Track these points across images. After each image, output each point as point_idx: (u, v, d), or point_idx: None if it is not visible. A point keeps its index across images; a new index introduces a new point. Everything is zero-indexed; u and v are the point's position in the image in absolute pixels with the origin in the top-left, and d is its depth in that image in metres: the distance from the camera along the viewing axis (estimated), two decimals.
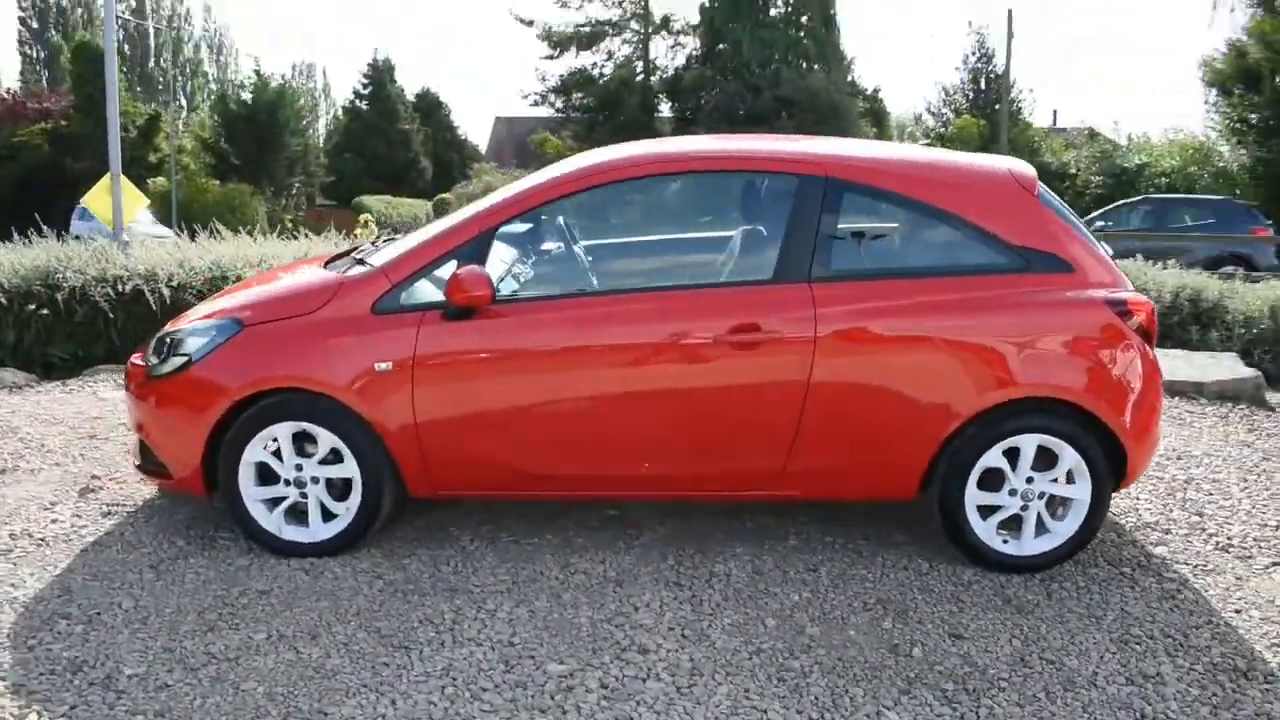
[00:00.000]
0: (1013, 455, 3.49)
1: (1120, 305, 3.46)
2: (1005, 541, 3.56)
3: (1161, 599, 3.44)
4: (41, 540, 3.83)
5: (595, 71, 33.70)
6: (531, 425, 3.52)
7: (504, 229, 3.58)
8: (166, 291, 6.93)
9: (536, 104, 34.21)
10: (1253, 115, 24.68)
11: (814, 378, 3.42)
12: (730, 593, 3.41)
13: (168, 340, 3.75)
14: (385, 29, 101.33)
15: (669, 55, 34.64)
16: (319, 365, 3.51)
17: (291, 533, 3.64)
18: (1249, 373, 6.66)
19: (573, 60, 33.07)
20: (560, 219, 3.88)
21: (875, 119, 33.49)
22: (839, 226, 3.49)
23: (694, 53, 33.12)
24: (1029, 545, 3.55)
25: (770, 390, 3.44)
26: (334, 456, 3.58)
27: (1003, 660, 3.02)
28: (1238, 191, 23.74)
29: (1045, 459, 3.50)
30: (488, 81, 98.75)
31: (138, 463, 3.90)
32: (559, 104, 33.49)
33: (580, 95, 33.45)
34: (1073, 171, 27.29)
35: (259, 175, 29.59)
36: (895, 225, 3.64)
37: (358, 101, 38.84)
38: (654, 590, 3.42)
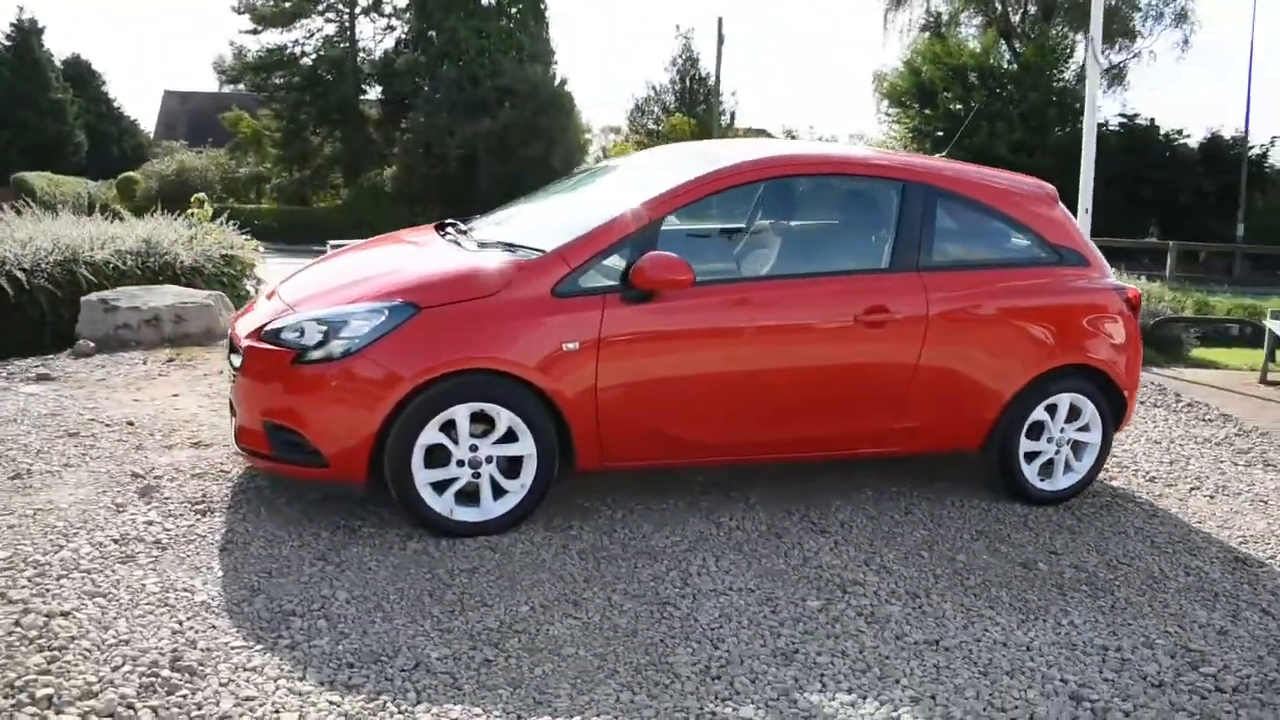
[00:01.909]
0: (1050, 410, 4.40)
1: (1123, 290, 4.50)
2: (1042, 480, 4.46)
3: (1149, 516, 4.54)
4: (158, 543, 3.51)
5: (297, 50, 31.86)
6: (698, 399, 3.86)
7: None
8: None
9: (231, 80, 31.66)
10: (926, 127, 29.07)
11: (923, 351, 4.10)
12: (868, 536, 3.99)
13: (321, 324, 3.59)
14: None
15: (377, 38, 33.67)
16: (506, 346, 3.60)
17: (462, 513, 3.68)
18: None
19: (277, 37, 30.96)
20: (716, 209, 4.20)
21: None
22: (935, 225, 4.18)
23: (404, 36, 32.40)
24: (1060, 482, 4.48)
25: (891, 362, 4.08)
26: (508, 435, 3.67)
27: (1096, 566, 3.89)
28: None
29: (1071, 412, 4.44)
30: (151, 53, 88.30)
31: (267, 452, 3.68)
32: (257, 81, 31.20)
33: (283, 74, 31.44)
34: None
35: None
36: (973, 225, 4.40)
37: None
38: (812, 538, 3.92)
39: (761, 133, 36.26)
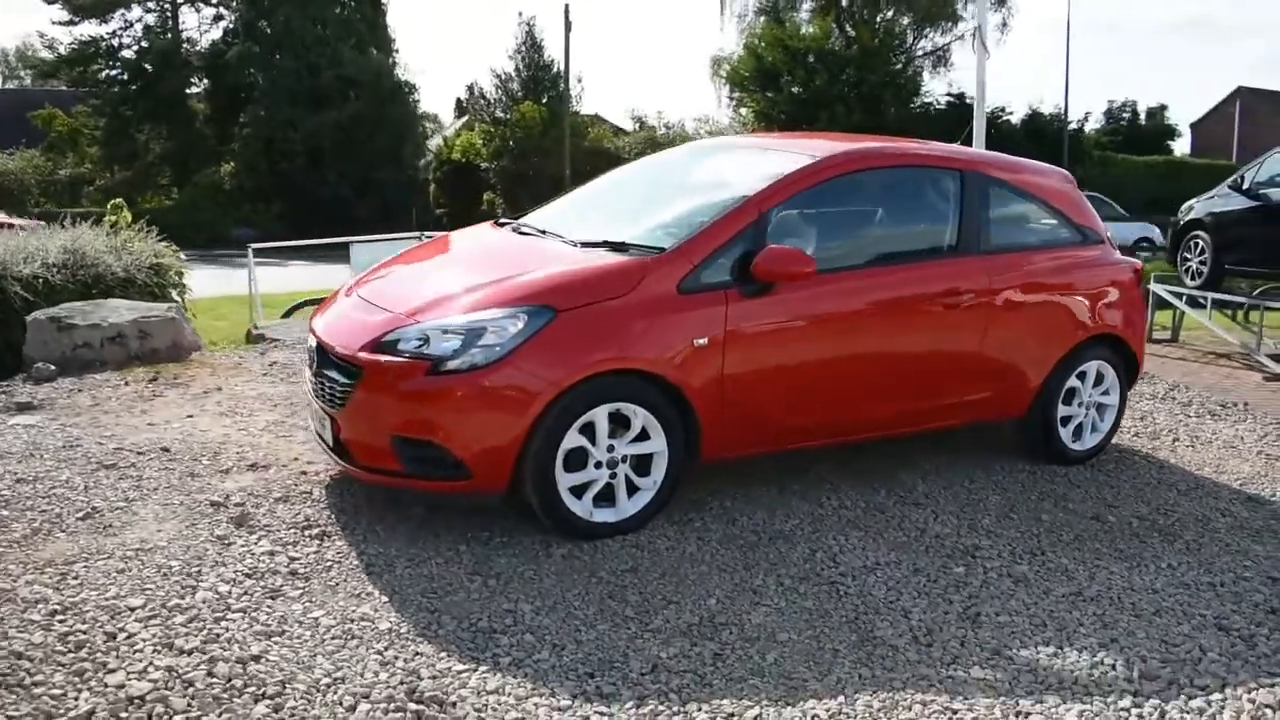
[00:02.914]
0: (1081, 377, 4.80)
1: (1132, 263, 4.96)
2: (1074, 441, 4.88)
3: (1159, 467, 5.04)
4: (295, 574, 3.33)
5: (115, 41, 29.47)
6: (811, 384, 4.00)
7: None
8: None
9: (45, 75, 28.93)
10: (770, 110, 30.07)
11: (988, 328, 4.40)
12: (955, 505, 4.25)
13: (451, 332, 3.48)
14: None
15: (203, 28, 31.68)
16: (644, 346, 3.61)
17: (600, 514, 3.67)
18: None
19: (93, 28, 28.51)
20: (812, 201, 4.27)
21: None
22: (990, 211, 4.48)
23: (232, 26, 30.58)
24: (1088, 442, 4.91)
25: (965, 339, 4.36)
26: (640, 433, 3.69)
27: (1150, 514, 4.31)
28: None
29: (1096, 378, 4.87)
30: None
31: (397, 469, 3.54)
32: (73, 76, 28.65)
33: (101, 67, 29.01)
34: (626, 157, 30.64)
35: None
36: (1018, 209, 4.71)
37: None
38: (911, 511, 4.14)
39: (596, 119, 36.45)
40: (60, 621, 2.93)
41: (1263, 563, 3.84)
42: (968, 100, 32.73)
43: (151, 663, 2.74)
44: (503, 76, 32.41)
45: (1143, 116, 46.11)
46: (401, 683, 2.71)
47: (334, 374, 3.72)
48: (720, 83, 35.28)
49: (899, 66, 31.13)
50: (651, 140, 30.97)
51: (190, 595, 3.13)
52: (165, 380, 5.61)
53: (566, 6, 30.06)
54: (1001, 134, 31.45)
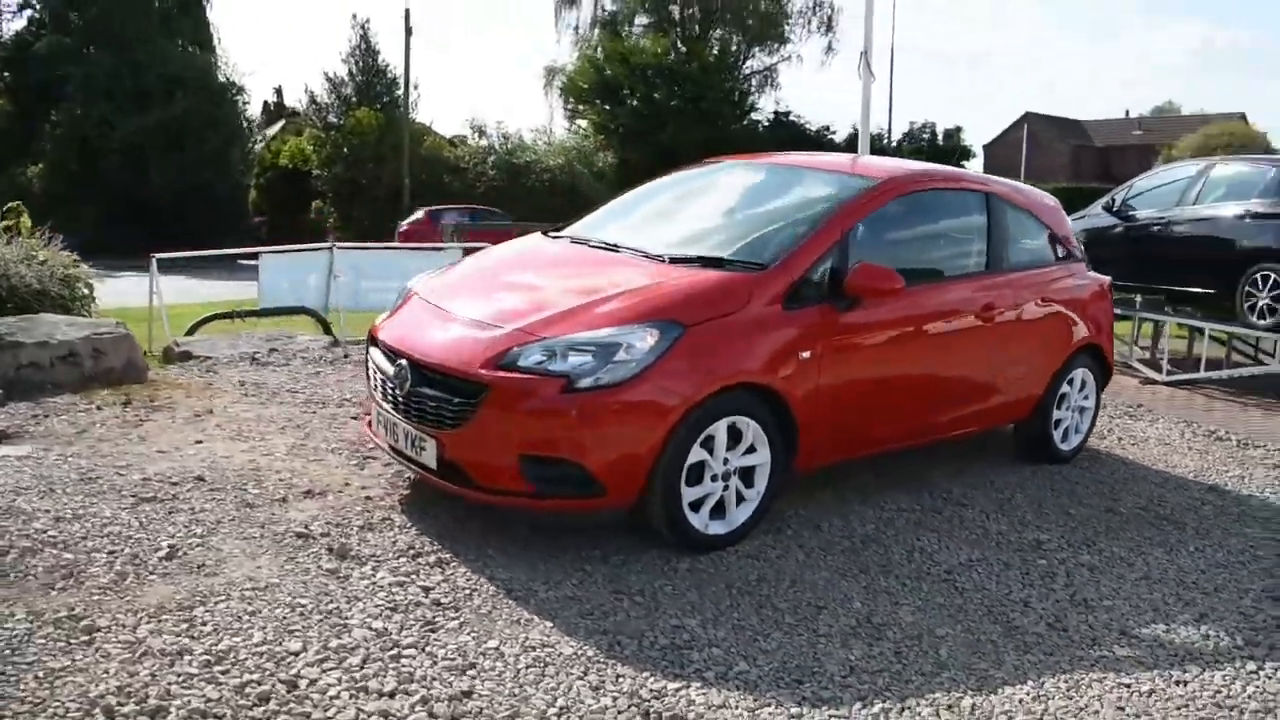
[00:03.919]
0: (1070, 383, 5.28)
1: (1105, 279, 5.51)
2: (1063, 442, 5.36)
3: (1121, 463, 5.62)
4: (439, 604, 3.19)
5: None
6: (885, 393, 4.22)
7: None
8: None
9: None
10: (611, 123, 30.46)
11: (1011, 339, 4.78)
12: (995, 505, 4.58)
13: (580, 349, 3.44)
14: None
15: (6, 18, 28.64)
16: (760, 360, 3.70)
17: (714, 526, 3.73)
18: None
19: None
20: (878, 221, 4.42)
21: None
22: (1009, 232, 4.87)
23: (38, 16, 27.80)
24: (1071, 442, 5.41)
25: (997, 349, 4.72)
26: (749, 446, 3.77)
27: (1148, 504, 4.82)
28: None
29: (1080, 384, 5.37)
30: None
31: (525, 489, 3.45)
32: None
33: None
34: (464, 166, 30.19)
35: None
36: (1026, 230, 5.11)
37: None
38: (963, 512, 4.44)
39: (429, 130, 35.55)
40: (223, 673, 2.69)
41: (1261, 543, 4.39)
42: (793, 118, 34.71)
43: (360, 709, 2.58)
44: (335, 80, 31.10)
45: (940, 137, 50.20)
46: (631, 705, 2.69)
47: (439, 392, 3.58)
48: (554, 94, 35.47)
49: (733, 84, 32.38)
50: (492, 150, 30.63)
51: (346, 634, 2.94)
52: (141, 403, 5.12)
53: (407, 11, 28.93)
54: (830, 149, 33.47)
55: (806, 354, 3.83)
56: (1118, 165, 46.34)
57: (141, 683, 2.60)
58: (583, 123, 33.35)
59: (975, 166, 50.24)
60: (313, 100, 31.11)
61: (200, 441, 4.60)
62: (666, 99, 30.82)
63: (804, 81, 53.85)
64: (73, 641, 2.77)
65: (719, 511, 3.75)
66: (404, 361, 3.73)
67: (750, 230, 4.27)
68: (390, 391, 3.83)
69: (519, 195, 28.52)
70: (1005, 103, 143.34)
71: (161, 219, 23.98)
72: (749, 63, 35.68)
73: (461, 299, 3.99)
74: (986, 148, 53.47)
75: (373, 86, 31.42)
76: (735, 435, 3.72)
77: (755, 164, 5.03)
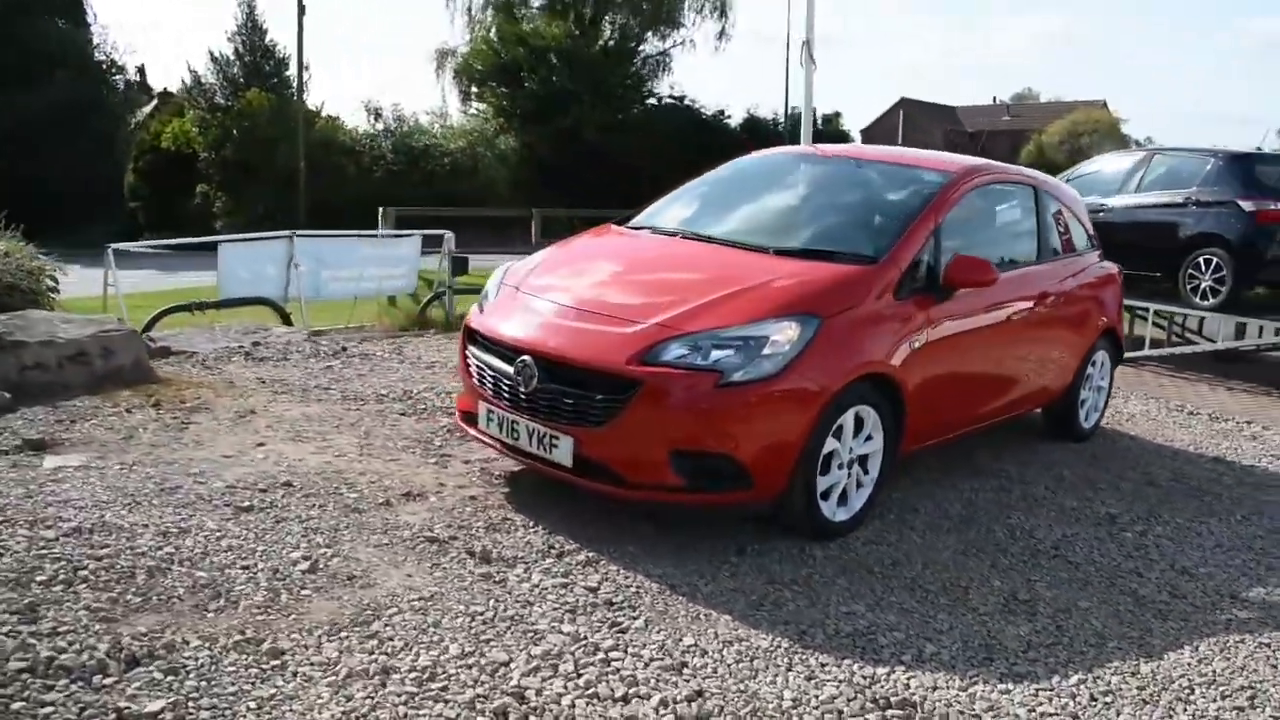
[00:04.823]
0: (1093, 364, 5.57)
1: (1116, 266, 5.82)
2: (1085, 420, 5.65)
3: (1129, 439, 5.98)
4: (612, 604, 3.12)
5: None
6: (968, 379, 4.37)
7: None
8: None
9: None
10: (511, 106, 29.96)
11: (1057, 324, 5.02)
12: (1050, 485, 4.77)
13: (724, 343, 3.42)
14: None
15: None
16: (884, 350, 3.78)
17: (840, 514, 3.78)
18: None
19: None
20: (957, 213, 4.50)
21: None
22: (1049, 222, 5.09)
23: None
24: (1091, 420, 5.72)
25: (1047, 334, 4.94)
26: (868, 435, 3.84)
27: (1176, 477, 5.14)
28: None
29: (1099, 365, 5.67)
30: None
31: (675, 484, 3.41)
32: None
33: None
34: (360, 149, 29.15)
35: None
36: (1060, 220, 5.33)
37: None
38: (1032, 490, 4.63)
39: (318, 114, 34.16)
40: (443, 690, 2.59)
41: None
42: (688, 102, 34.99)
43: (605, 716, 2.52)
44: (221, 60, 29.42)
45: (820, 122, 51.58)
46: (857, 694, 2.72)
47: (577, 389, 3.50)
48: (447, 76, 34.62)
49: (633, 68, 32.37)
50: (390, 133, 29.66)
51: (542, 640, 2.86)
52: (171, 405, 4.78)
53: None
54: (725, 135, 33.84)
55: (915, 343, 3.92)
56: (989, 150, 48.70)
57: (366, 706, 2.47)
58: (480, 105, 32.71)
59: None
60: (197, 81, 29.35)
61: (262, 444, 4.33)
62: (567, 82, 30.56)
63: (698, 66, 54.00)
64: (265, 667, 2.60)
65: (842, 499, 3.81)
66: (527, 358, 3.62)
67: (844, 223, 4.33)
68: (508, 389, 3.71)
69: (418, 179, 27.75)
70: (874, 88, 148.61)
71: (36, 204, 22.19)
72: (643, 47, 35.71)
73: (574, 293, 3.89)
74: (864, 132, 55.25)
75: (261, 67, 29.91)
76: (858, 424, 3.78)
77: (818, 156, 5.09)
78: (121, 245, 7.77)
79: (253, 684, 2.52)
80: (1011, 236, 4.92)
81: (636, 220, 4.72)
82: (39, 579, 2.91)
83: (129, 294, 9.05)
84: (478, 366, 3.92)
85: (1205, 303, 8.57)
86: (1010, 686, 2.84)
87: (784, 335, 3.48)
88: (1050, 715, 2.69)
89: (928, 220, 4.15)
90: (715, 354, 3.44)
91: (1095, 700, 2.79)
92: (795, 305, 3.61)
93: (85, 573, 2.97)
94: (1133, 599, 3.52)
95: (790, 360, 3.45)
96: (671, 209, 4.75)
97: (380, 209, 13.53)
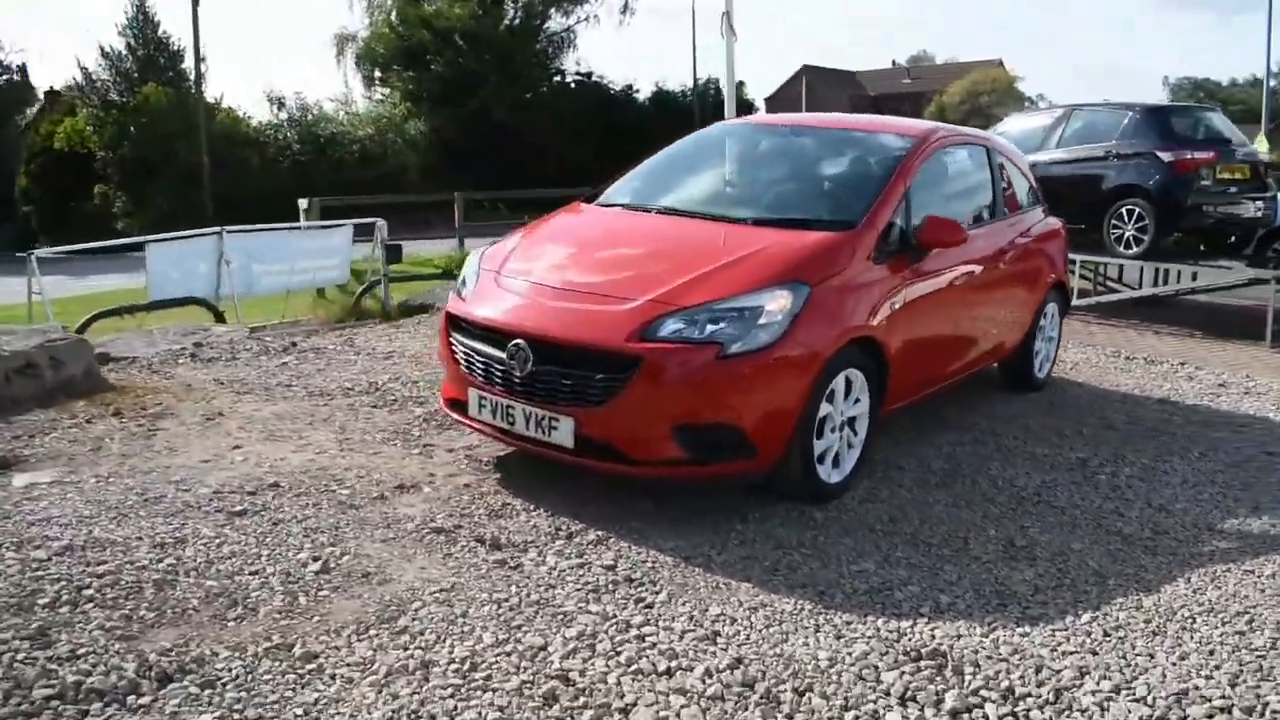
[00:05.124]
0: (1044, 316, 5.77)
1: (1059, 221, 6.02)
2: (1039, 370, 5.86)
3: (1073, 385, 6.22)
4: (631, 580, 3.13)
5: None
6: (939, 338, 4.48)
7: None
8: None
9: None
10: (417, 89, 29.29)
11: (1016, 279, 5.18)
12: (1024, 434, 4.96)
13: (719, 314, 3.44)
14: None
15: None
16: (868, 313, 3.84)
17: (835, 476, 3.85)
18: None
19: None
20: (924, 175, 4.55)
21: None
22: (1002, 180, 5.23)
23: None
24: (1043, 371, 5.92)
25: (1007, 289, 5.10)
26: (855, 397, 3.91)
27: (1132, 419, 5.38)
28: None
29: (1049, 316, 5.87)
30: None
31: (679, 457, 3.44)
32: None
33: None
34: (265, 140, 28.20)
35: None
36: (1012, 178, 5.47)
37: None
38: (1003, 443, 4.79)
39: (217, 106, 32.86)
40: (486, 679, 2.56)
41: (1240, 443, 5.00)
42: (595, 78, 34.79)
43: (654, 690, 2.54)
44: (113, 55, 27.97)
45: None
46: (888, 648, 2.79)
47: (575, 369, 3.47)
48: (348, 62, 33.70)
49: (539, 45, 31.95)
50: (295, 123, 28.73)
51: (573, 622, 2.86)
52: (133, 413, 4.58)
53: None
54: (633, 108, 33.70)
55: (895, 305, 4.00)
56: (893, 113, 49.67)
57: (415, 702, 2.43)
58: (386, 90, 31.92)
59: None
60: (89, 78, 27.89)
61: (238, 446, 4.20)
62: (473, 63, 30.02)
63: (603, 42, 53.74)
64: (302, 672, 2.54)
65: (835, 462, 3.87)
66: (521, 341, 3.58)
67: (817, 190, 4.38)
68: (501, 374, 3.67)
69: (325, 168, 27.00)
70: (773, 56, 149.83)
71: None
72: (548, 24, 35.30)
73: (562, 274, 3.86)
74: (768, 101, 55.73)
75: (155, 60, 28.57)
76: (847, 387, 3.84)
77: (779, 127, 5.13)
78: (44, 251, 7.36)
79: (293, 690, 2.46)
80: (971, 196, 5.04)
81: (605, 197, 4.69)
82: (41, 601, 2.78)
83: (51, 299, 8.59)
84: (465, 353, 3.86)
85: (1129, 251, 8.94)
86: (1028, 629, 2.94)
87: (777, 304, 3.52)
88: (1071, 653, 2.80)
89: (898, 184, 4.23)
90: (711, 327, 3.45)
91: (1109, 636, 2.92)
92: (784, 274, 3.64)
93: (90, 591, 2.85)
94: (1120, 538, 3.68)
95: (785, 329, 3.49)
96: (639, 184, 4.73)
97: (306, 200, 13.11)
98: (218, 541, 3.25)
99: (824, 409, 3.70)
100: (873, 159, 4.45)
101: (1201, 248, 9.90)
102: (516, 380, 3.61)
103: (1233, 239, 9.67)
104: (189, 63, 27.87)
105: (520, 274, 3.93)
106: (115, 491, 3.63)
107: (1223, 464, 4.62)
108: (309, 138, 27.89)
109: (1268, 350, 7.69)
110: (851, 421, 3.93)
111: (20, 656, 2.49)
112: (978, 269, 4.79)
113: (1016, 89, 48.42)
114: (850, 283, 3.81)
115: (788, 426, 3.54)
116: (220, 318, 8.58)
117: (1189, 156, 8.61)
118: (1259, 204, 9.01)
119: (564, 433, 3.52)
